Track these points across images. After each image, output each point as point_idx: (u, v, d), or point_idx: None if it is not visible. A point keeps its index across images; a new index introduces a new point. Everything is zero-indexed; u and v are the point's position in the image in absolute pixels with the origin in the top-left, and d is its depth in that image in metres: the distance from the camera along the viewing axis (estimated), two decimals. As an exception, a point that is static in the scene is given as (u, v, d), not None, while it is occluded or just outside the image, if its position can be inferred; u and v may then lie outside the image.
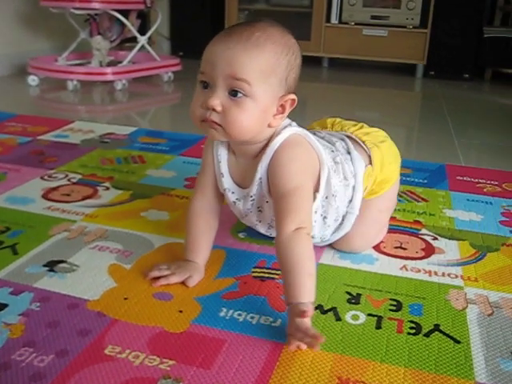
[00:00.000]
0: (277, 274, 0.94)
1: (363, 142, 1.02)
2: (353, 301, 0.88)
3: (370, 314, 0.85)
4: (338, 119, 1.11)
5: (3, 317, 0.81)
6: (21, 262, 0.97)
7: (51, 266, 0.95)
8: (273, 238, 1.02)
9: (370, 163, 0.99)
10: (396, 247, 1.07)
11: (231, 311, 0.84)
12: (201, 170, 0.97)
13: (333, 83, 3.19)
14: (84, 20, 2.86)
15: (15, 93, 2.62)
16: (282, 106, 0.85)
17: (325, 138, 1.01)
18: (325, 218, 0.95)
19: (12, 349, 0.74)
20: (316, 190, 0.90)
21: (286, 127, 0.88)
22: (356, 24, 3.35)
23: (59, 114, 2.15)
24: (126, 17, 2.74)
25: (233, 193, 0.94)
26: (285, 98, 0.84)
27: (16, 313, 0.82)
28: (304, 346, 0.74)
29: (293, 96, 0.85)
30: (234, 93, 0.80)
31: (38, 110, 2.24)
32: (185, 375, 0.69)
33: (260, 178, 0.88)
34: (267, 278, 0.94)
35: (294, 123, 0.91)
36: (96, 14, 2.75)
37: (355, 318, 0.84)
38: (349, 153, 0.98)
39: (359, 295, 0.90)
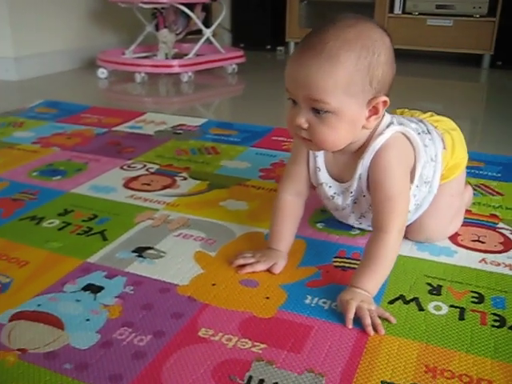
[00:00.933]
0: (357, 265, 0.96)
1: (435, 127, 1.03)
2: (434, 292, 0.89)
3: (452, 306, 0.86)
4: (407, 109, 1.12)
5: (101, 298, 0.86)
6: (111, 247, 1.02)
7: (140, 251, 1.00)
8: (352, 227, 1.05)
9: (444, 147, 1.00)
10: (474, 240, 1.07)
11: (316, 299, 0.86)
12: (291, 159, 0.99)
13: (395, 74, 3.15)
14: (151, 14, 2.94)
15: (86, 85, 2.72)
16: (375, 108, 0.83)
17: (405, 119, 1.01)
18: (417, 205, 0.99)
19: (112, 328, 0.79)
20: (411, 181, 0.92)
21: (388, 126, 0.88)
22: (420, 14, 3.29)
23: (128, 105, 2.22)
24: (192, 10, 2.79)
25: (330, 187, 0.96)
26: (374, 101, 0.82)
27: (112, 295, 0.87)
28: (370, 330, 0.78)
29: (383, 98, 0.83)
30: (316, 110, 0.80)
31: (109, 102, 2.31)
32: (277, 358, 0.73)
33: (360, 175, 0.90)
34: (348, 267, 0.96)
35: (395, 119, 0.91)
36: (163, 8, 2.81)
37: (438, 308, 0.85)
38: (428, 132, 0.99)
39: (440, 286, 0.91)
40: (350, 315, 0.79)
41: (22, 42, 2.74)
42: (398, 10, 3.33)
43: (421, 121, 1.03)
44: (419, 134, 0.95)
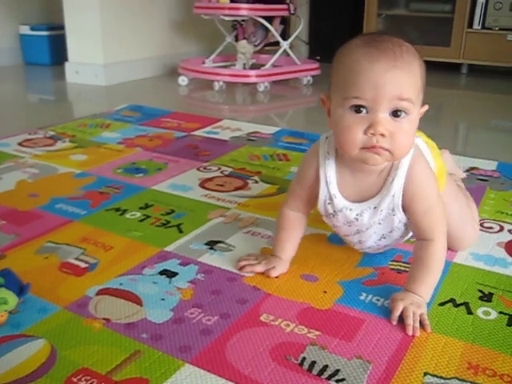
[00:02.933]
0: (412, 268, 1.02)
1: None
2: (485, 298, 0.94)
3: (501, 312, 0.90)
4: None
5: (175, 282, 0.96)
6: (185, 239, 1.13)
7: (211, 244, 1.10)
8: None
9: None
10: (531, 254, 1.10)
11: (370, 296, 0.93)
12: (298, 180, 0.97)
13: (471, 90, 3.14)
14: (231, 25, 3.07)
15: (167, 91, 2.88)
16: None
17: None
18: None
19: (184, 308, 0.89)
20: None
21: None
22: (500, 29, 3.26)
23: (206, 112, 2.35)
24: (270, 22, 2.90)
25: (351, 210, 0.92)
26: (422, 109, 0.85)
27: (185, 280, 0.97)
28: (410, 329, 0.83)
29: (426, 106, 0.85)
30: (396, 113, 0.79)
31: (188, 108, 2.45)
32: (329, 344, 0.80)
33: (393, 194, 0.89)
34: (403, 270, 1.01)
35: None
36: (243, 20, 2.94)
37: (487, 313, 0.89)
38: None
39: (491, 294, 0.95)
40: (396, 313, 0.85)
41: (111, 50, 2.95)
42: (477, 25, 3.31)
43: None
44: None
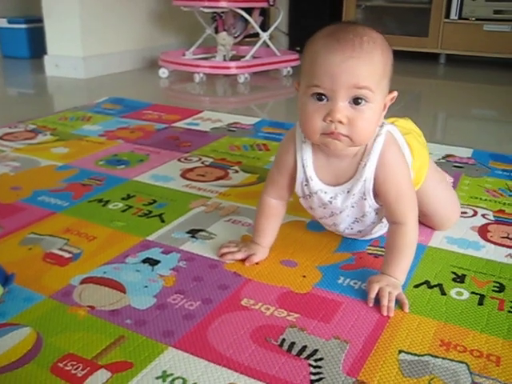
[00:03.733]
0: (388, 253, 1.05)
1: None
2: (458, 280, 0.97)
3: (473, 292, 0.93)
4: None
5: (158, 270, 0.99)
6: (167, 228, 1.15)
7: (193, 233, 1.13)
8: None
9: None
10: (503, 237, 1.14)
11: (348, 279, 0.96)
12: (275, 167, 1.00)
13: (449, 80, 3.19)
14: (210, 17, 3.08)
15: (148, 84, 2.88)
16: (384, 105, 0.88)
17: None
18: None
19: (167, 294, 0.91)
20: None
21: (381, 126, 0.91)
22: (477, 19, 3.31)
23: (187, 103, 2.36)
24: (250, 14, 2.92)
25: (326, 193, 0.95)
26: (390, 96, 0.88)
27: (167, 267, 0.99)
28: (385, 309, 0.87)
29: (395, 93, 0.88)
30: (357, 101, 0.82)
31: (169, 100, 2.46)
32: (308, 326, 0.83)
33: (365, 179, 0.92)
34: (380, 255, 1.04)
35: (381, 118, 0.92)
36: (222, 12, 2.95)
37: (459, 294, 0.93)
38: None
39: (464, 276, 0.98)
40: (372, 295, 0.88)
41: (90, 43, 2.94)
42: (454, 15, 3.36)
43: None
44: None
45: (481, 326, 0.84)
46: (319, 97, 0.83)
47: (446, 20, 3.37)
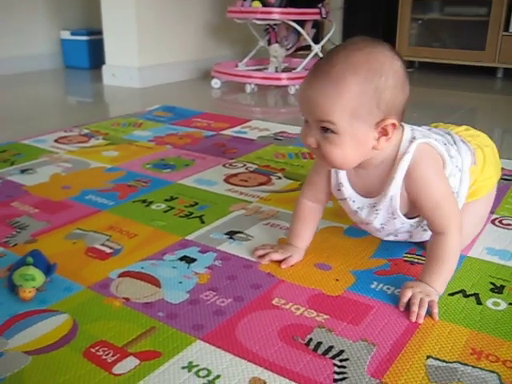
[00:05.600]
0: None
1: (467, 142, 1.06)
2: (496, 290, 0.95)
3: (511, 303, 0.91)
4: (442, 123, 1.15)
5: (193, 267, 1.01)
6: (206, 229, 1.17)
7: (231, 234, 1.14)
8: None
9: (474, 163, 1.03)
10: (548, 250, 1.10)
11: (381, 285, 0.95)
12: (314, 168, 1.03)
13: (505, 94, 3.11)
14: (263, 29, 3.12)
15: (200, 93, 2.94)
16: (384, 130, 0.84)
17: (432, 130, 1.04)
18: None
19: (200, 290, 0.93)
20: None
21: (411, 142, 0.90)
22: (537, 33, 3.22)
23: (238, 113, 2.40)
24: (302, 26, 2.94)
25: (354, 201, 0.98)
26: (383, 123, 0.83)
27: (203, 266, 1.01)
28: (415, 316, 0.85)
29: (392, 121, 0.84)
30: (324, 129, 0.83)
31: (220, 110, 2.50)
32: (336, 327, 0.83)
33: (391, 196, 0.92)
34: (416, 262, 1.03)
35: (416, 132, 0.92)
36: (275, 24, 2.98)
37: (496, 304, 0.91)
38: (455, 143, 1.01)
39: (503, 286, 0.96)
40: (404, 299, 0.87)
41: (145, 54, 3.03)
42: (513, 29, 3.28)
43: (448, 133, 1.05)
44: (445, 144, 0.97)
45: (516, 336, 0.82)
46: (305, 119, 0.87)
47: (505, 33, 3.30)
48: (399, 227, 0.99)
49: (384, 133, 0.85)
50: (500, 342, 0.81)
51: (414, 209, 0.95)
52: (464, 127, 1.13)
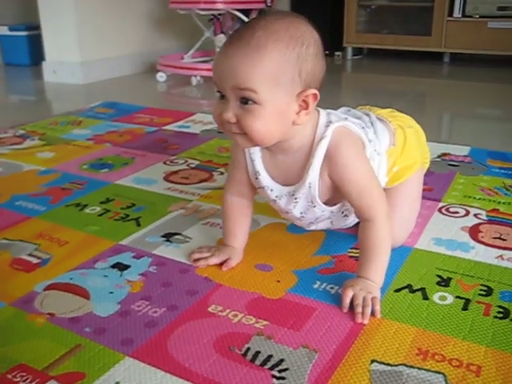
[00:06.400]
0: (370, 255, 1.00)
1: (388, 122, 1.02)
2: (442, 283, 0.92)
3: (458, 297, 0.88)
4: (368, 106, 1.11)
5: (126, 275, 0.94)
6: (143, 232, 1.11)
7: (168, 237, 1.08)
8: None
9: (393, 144, 1.00)
10: (495, 238, 1.08)
11: (324, 284, 0.91)
12: (231, 163, 0.98)
13: (453, 79, 3.12)
14: (208, 20, 3.04)
15: (145, 88, 2.85)
16: (305, 102, 0.81)
17: (350, 112, 1.01)
18: None
19: (132, 300, 0.87)
20: None
21: (327, 126, 0.86)
22: (481, 17, 3.24)
23: (183, 107, 2.33)
24: (248, 16, 2.88)
25: (272, 190, 0.93)
26: (304, 94, 0.80)
27: (136, 273, 0.95)
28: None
29: (313, 91, 0.80)
30: (244, 100, 0.78)
31: (165, 104, 2.43)
32: (276, 334, 0.78)
33: (309, 183, 0.88)
34: (361, 257, 0.99)
35: (332, 115, 0.89)
36: (219, 14, 2.91)
37: (443, 298, 0.87)
38: (372, 125, 0.98)
39: (450, 279, 0.93)
40: (346, 300, 0.83)
41: (88, 48, 2.92)
42: (457, 13, 3.29)
43: (367, 114, 1.02)
44: (363, 128, 0.94)
45: (463, 333, 0.79)
46: (220, 95, 0.81)
47: (450, 18, 3.31)
48: (319, 215, 0.94)
49: (304, 106, 0.81)
50: (446, 340, 0.77)
51: (335, 195, 0.91)
52: (389, 110, 1.08)
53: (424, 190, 1.28)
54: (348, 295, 0.83)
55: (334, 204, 0.94)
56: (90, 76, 2.93)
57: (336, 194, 0.91)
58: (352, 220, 1.01)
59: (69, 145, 1.73)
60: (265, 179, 0.93)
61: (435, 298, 0.88)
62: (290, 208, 0.94)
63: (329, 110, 0.92)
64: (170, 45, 3.43)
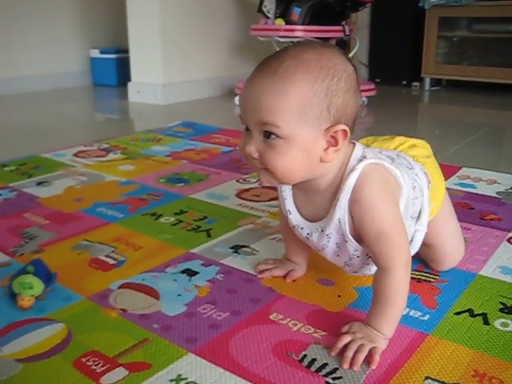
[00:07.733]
0: (433, 278, 1.00)
1: (413, 159, 0.94)
2: (505, 310, 0.91)
3: (520, 324, 0.87)
4: (370, 137, 1.01)
5: (194, 280, 1.00)
6: (212, 243, 1.16)
7: (236, 248, 1.13)
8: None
9: (429, 181, 0.93)
10: None
11: (383, 301, 0.92)
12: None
13: None
14: (287, 47, 3.12)
15: (222, 110, 2.96)
16: (333, 138, 0.75)
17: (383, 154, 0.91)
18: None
19: (198, 303, 0.92)
20: None
21: (360, 161, 0.79)
22: None
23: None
24: (326, 44, 2.93)
25: (302, 228, 0.88)
26: (332, 129, 0.74)
27: (204, 279, 1.00)
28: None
29: (342, 127, 0.74)
30: (267, 134, 0.73)
31: (241, 126, 2.49)
32: (333, 344, 0.80)
33: (338, 219, 0.81)
34: (424, 280, 1.00)
35: (367, 152, 0.81)
36: (298, 42, 2.99)
37: (505, 325, 0.87)
38: (411, 167, 0.91)
39: (513, 307, 0.92)
40: (339, 344, 0.78)
41: (170, 71, 3.07)
42: (542, 48, 3.21)
43: (398, 154, 0.93)
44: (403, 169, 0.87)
45: (523, 359, 0.78)
46: (246, 127, 0.77)
47: (534, 52, 3.23)
48: (352, 254, 0.86)
49: (333, 142, 0.75)
50: (505, 365, 0.77)
51: None
52: (398, 138, 0.99)
53: (493, 219, 1.28)
54: (343, 340, 0.78)
55: None
56: (170, 97, 3.07)
57: None
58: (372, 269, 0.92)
59: (148, 160, 1.83)
60: (295, 218, 0.88)
61: (496, 324, 0.87)
62: (325, 243, 0.86)
63: (367, 147, 0.86)
64: (248, 69, 3.51)
